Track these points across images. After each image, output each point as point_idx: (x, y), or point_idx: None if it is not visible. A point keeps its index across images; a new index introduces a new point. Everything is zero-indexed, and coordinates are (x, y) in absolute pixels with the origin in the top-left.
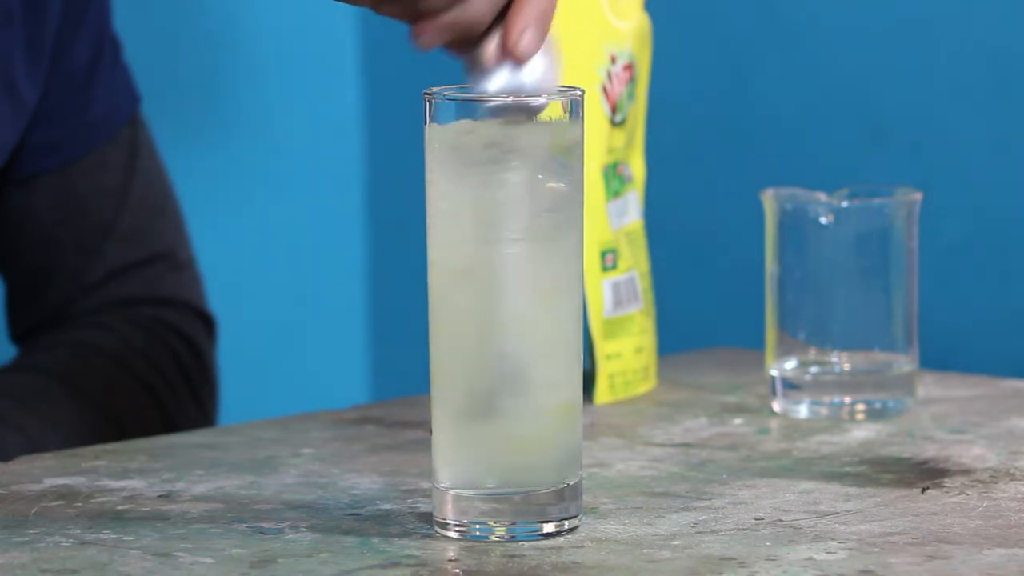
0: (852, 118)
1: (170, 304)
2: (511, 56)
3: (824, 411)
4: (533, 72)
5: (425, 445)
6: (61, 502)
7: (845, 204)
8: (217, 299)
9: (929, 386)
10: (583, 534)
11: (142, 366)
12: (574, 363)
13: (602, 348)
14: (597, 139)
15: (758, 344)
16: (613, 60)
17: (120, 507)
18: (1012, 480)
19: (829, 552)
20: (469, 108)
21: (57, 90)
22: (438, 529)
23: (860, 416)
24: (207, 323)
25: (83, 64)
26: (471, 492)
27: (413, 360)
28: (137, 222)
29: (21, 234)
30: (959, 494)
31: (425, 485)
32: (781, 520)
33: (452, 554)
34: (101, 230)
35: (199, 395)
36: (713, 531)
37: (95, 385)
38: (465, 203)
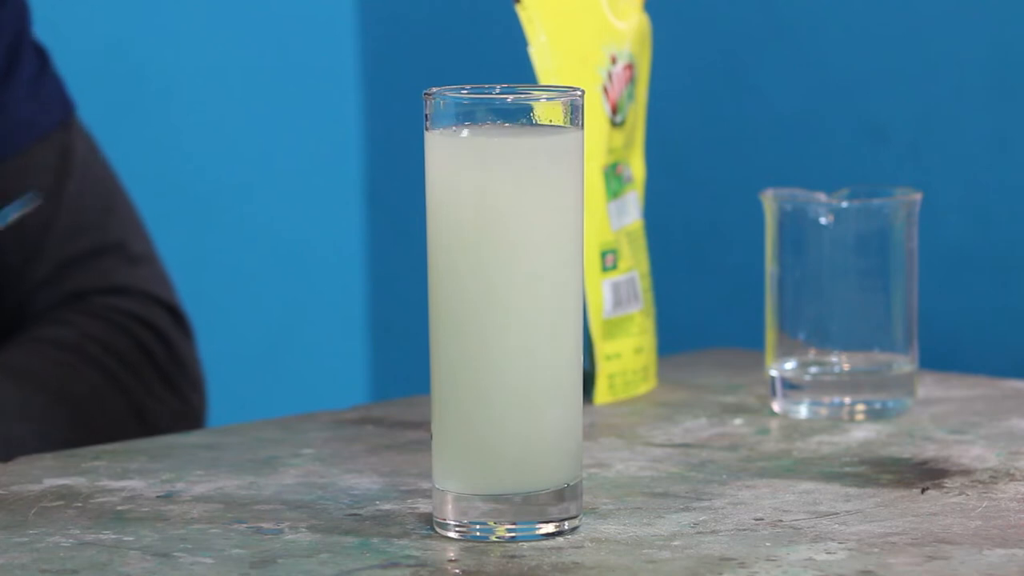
0: (852, 118)
1: (126, 293)
2: None
3: (824, 411)
4: None
5: (425, 445)
6: (61, 502)
7: (845, 204)
8: (218, 299)
9: (929, 386)
10: (583, 534)
11: (98, 352)
12: (574, 363)
13: (602, 348)
14: (597, 139)
15: (758, 344)
16: (613, 60)
17: (120, 507)
18: (1012, 480)
19: (829, 552)
20: (469, 109)
21: None
22: (438, 529)
23: (860, 416)
24: (176, 316)
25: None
26: (471, 492)
27: (413, 360)
28: (78, 220)
29: None
30: (959, 494)
31: (425, 485)
32: (781, 520)
33: (452, 554)
34: (40, 228)
35: (176, 385)
36: (713, 531)
37: (49, 374)
38: (466, 206)
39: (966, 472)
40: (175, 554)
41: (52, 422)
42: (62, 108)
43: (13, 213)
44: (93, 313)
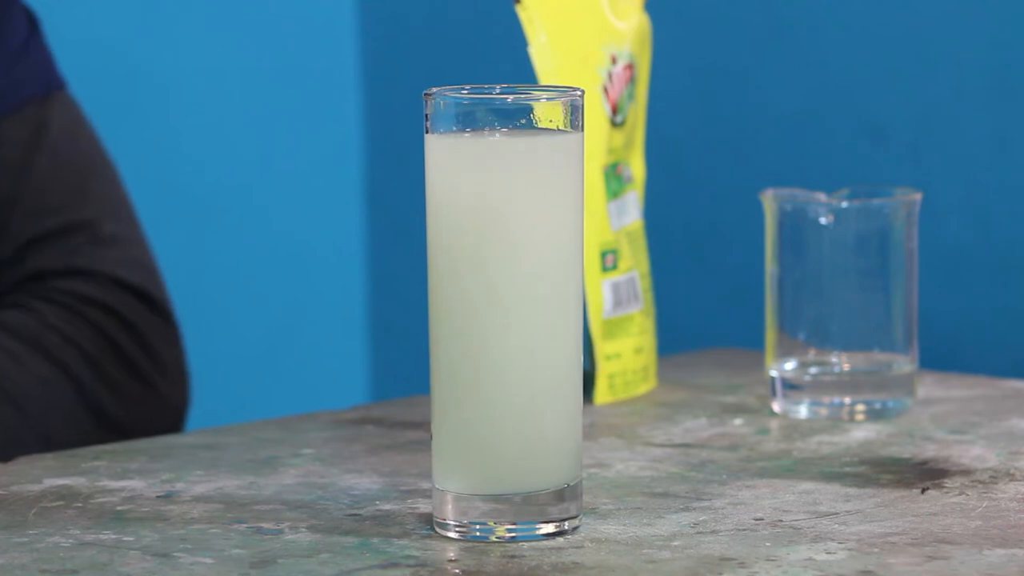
0: (852, 118)
1: (90, 276)
2: None
3: (824, 411)
4: None
5: (425, 445)
6: (61, 502)
7: (845, 204)
8: (217, 299)
9: (929, 386)
10: (583, 534)
11: (55, 342)
12: (574, 363)
13: (602, 348)
14: (597, 139)
15: (758, 344)
16: (613, 60)
17: (120, 507)
18: (1012, 480)
19: (829, 552)
20: (469, 110)
21: None
22: (438, 529)
23: (860, 416)
24: (149, 301)
25: None
26: (471, 492)
27: (413, 360)
28: (46, 197)
29: None
30: (959, 494)
31: (425, 485)
32: (781, 520)
33: (452, 554)
34: (4, 204)
35: (143, 373)
36: (713, 531)
37: None
38: (466, 206)
39: (966, 472)
40: (175, 554)
41: None
42: (44, 82)
43: None
44: (53, 300)
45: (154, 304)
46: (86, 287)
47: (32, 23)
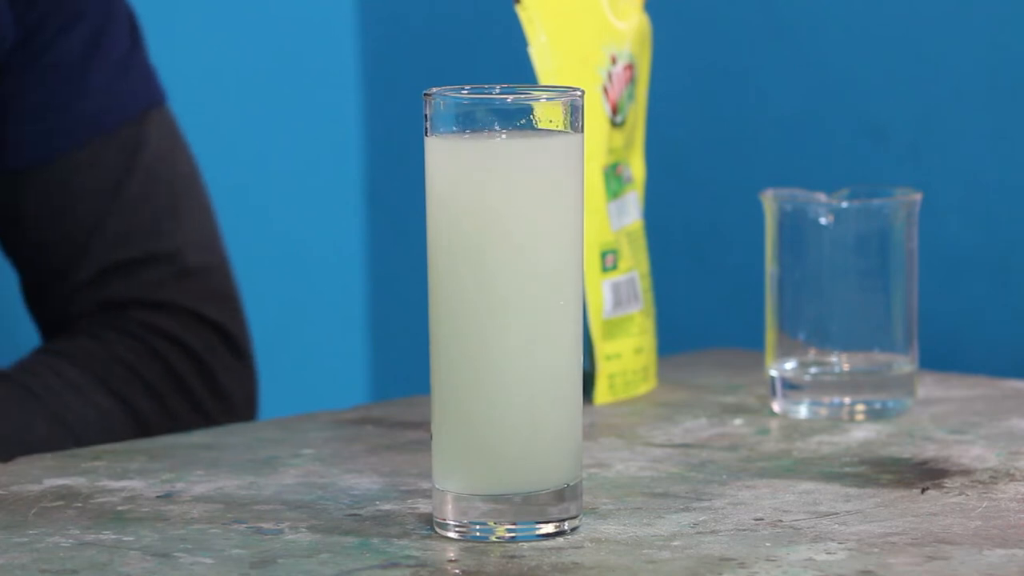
0: (852, 118)
1: (169, 310)
2: None
3: (824, 411)
4: None
5: (425, 445)
6: (61, 502)
7: (845, 204)
8: None
9: (929, 386)
10: (583, 534)
11: (121, 376)
12: (574, 363)
13: (602, 349)
14: (597, 140)
15: (758, 344)
16: (613, 60)
17: (120, 507)
18: (1012, 480)
19: (829, 552)
20: (469, 110)
21: (45, 83)
22: (438, 529)
23: (860, 416)
24: (228, 340)
25: (75, 58)
26: (471, 492)
27: (413, 360)
28: (132, 221)
29: (16, 231)
30: (959, 494)
31: (425, 485)
32: (781, 520)
33: (452, 554)
34: (90, 227)
35: (205, 410)
36: (713, 531)
37: (54, 396)
38: (466, 206)
39: (966, 472)
40: (175, 554)
41: (47, 446)
42: (143, 99)
43: None
44: (128, 331)
45: (231, 341)
46: (162, 320)
47: (134, 31)
